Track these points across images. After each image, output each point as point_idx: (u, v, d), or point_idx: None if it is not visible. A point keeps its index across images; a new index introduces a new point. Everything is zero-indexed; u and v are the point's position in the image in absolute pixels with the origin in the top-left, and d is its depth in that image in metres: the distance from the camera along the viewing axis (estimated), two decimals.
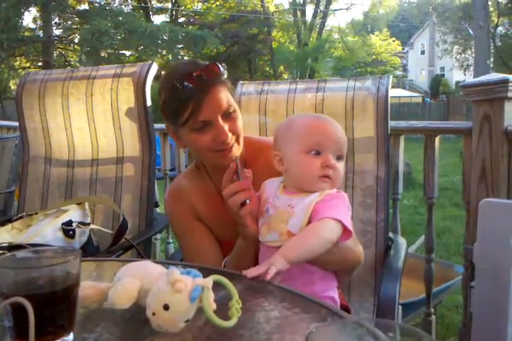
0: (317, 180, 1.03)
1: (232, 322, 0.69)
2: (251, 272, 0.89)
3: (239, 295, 0.72)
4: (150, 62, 1.93)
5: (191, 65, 1.13)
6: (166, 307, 0.69)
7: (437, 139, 1.84)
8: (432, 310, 1.87)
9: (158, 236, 2.78)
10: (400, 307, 1.77)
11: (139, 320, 0.73)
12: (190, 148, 1.23)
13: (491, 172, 1.59)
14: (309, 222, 1.00)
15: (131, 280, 0.75)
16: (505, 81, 1.55)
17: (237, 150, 1.17)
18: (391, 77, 1.69)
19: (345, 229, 0.98)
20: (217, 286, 0.72)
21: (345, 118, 1.62)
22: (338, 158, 1.05)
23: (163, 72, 1.22)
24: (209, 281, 0.71)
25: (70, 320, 0.68)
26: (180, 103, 1.09)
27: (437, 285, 2.31)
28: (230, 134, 1.13)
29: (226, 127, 1.12)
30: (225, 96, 1.12)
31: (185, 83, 1.08)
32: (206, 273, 0.74)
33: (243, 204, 1.05)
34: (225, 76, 1.16)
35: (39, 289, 0.66)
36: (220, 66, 1.14)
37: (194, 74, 1.08)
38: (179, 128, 1.15)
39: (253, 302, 0.81)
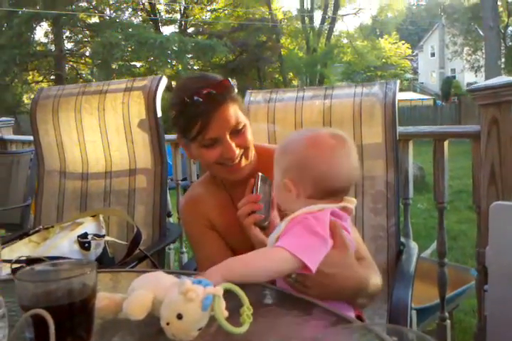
0: None
1: (244, 328, 0.71)
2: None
3: (250, 302, 0.74)
4: (160, 75, 1.97)
5: (201, 80, 1.15)
6: (180, 317, 0.71)
7: (446, 143, 1.84)
8: (447, 314, 1.86)
9: (172, 246, 2.80)
10: (414, 312, 1.78)
11: (154, 330, 0.75)
12: (199, 160, 1.26)
13: (501, 176, 1.60)
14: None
15: (144, 292, 0.77)
16: None
17: (246, 166, 1.19)
18: (398, 81, 1.70)
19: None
20: (228, 294, 0.74)
21: (354, 125, 1.64)
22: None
23: (173, 83, 1.23)
24: (220, 289, 0.73)
25: (88, 330, 0.71)
26: (189, 120, 1.11)
27: (453, 289, 2.30)
28: (237, 151, 1.15)
29: (234, 144, 1.14)
30: (233, 112, 1.13)
31: (196, 98, 1.09)
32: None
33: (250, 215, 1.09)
34: (235, 91, 1.17)
35: (58, 301, 0.68)
36: (230, 81, 1.15)
37: (204, 92, 1.09)
38: (189, 143, 1.17)
39: (264, 310, 0.83)
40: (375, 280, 1.05)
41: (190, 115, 1.10)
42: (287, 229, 0.94)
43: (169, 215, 2.58)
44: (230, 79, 1.17)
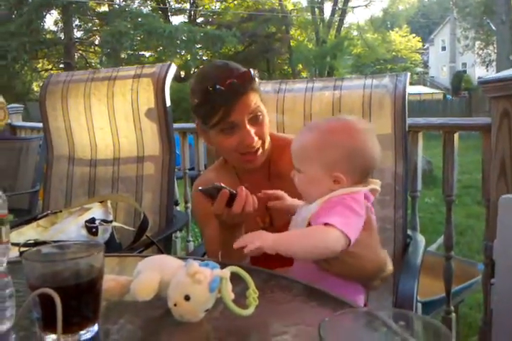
0: None
1: (249, 311, 0.72)
2: (237, 243, 0.88)
3: (255, 285, 0.74)
4: (169, 62, 1.96)
5: (224, 70, 1.17)
6: (187, 298, 0.72)
7: (456, 136, 1.83)
8: (452, 308, 1.86)
9: (179, 234, 2.82)
10: (420, 305, 1.77)
11: (160, 312, 0.76)
12: (217, 148, 1.27)
13: (511, 169, 1.58)
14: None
15: (151, 273, 0.77)
16: None
17: (261, 156, 1.20)
18: (408, 74, 1.68)
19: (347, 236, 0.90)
20: (234, 278, 0.75)
21: (363, 116, 1.62)
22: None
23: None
24: (227, 272, 0.74)
25: (95, 311, 0.71)
26: (211, 108, 1.13)
27: (459, 283, 2.29)
28: (256, 138, 1.16)
29: (253, 131, 1.15)
30: (254, 99, 1.15)
31: (218, 87, 1.11)
32: (223, 266, 0.76)
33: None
34: (257, 82, 1.18)
35: (65, 281, 0.69)
36: (253, 73, 1.17)
37: (227, 81, 1.11)
38: (209, 130, 1.19)
39: (270, 295, 0.83)
40: (390, 264, 1.08)
41: (213, 103, 1.13)
42: (325, 208, 0.94)
43: (176, 204, 2.59)
44: (252, 70, 1.18)
